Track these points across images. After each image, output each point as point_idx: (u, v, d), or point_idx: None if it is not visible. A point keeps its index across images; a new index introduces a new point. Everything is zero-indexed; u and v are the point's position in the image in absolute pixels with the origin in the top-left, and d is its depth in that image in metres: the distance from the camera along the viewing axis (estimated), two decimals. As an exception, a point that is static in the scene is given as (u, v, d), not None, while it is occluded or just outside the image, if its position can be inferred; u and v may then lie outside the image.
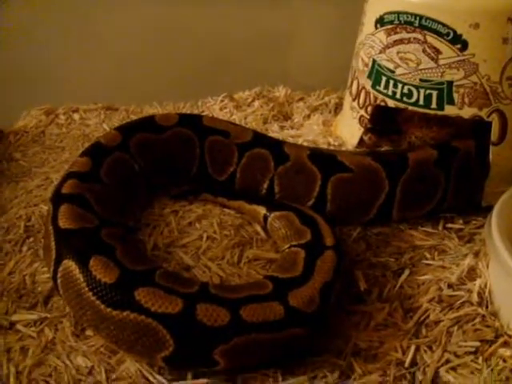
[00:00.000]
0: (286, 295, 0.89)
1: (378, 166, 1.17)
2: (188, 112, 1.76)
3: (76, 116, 1.76)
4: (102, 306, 0.86)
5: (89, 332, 0.96)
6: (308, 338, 0.90)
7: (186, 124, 1.29)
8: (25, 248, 1.15)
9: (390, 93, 1.26)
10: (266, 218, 1.17)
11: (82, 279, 0.89)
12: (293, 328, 0.87)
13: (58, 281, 0.94)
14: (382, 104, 1.29)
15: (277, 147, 1.24)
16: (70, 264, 0.92)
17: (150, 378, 0.88)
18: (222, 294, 0.89)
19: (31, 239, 1.18)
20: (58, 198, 1.06)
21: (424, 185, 1.19)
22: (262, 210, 1.18)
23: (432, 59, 1.17)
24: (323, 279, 0.93)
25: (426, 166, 1.18)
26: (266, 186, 1.23)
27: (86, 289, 0.88)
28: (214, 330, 0.83)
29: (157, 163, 1.27)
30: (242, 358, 0.86)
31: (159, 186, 1.30)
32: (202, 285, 0.92)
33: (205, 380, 0.87)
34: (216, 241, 1.16)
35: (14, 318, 0.99)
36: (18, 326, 0.98)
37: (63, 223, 0.99)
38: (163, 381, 0.87)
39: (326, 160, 1.20)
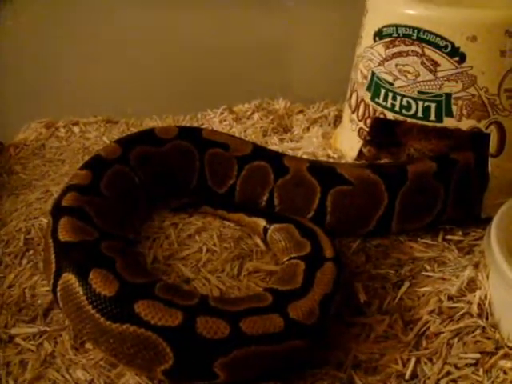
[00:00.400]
0: (286, 307, 0.89)
1: (377, 179, 1.17)
2: (188, 125, 1.76)
3: (76, 129, 1.77)
4: (102, 319, 0.86)
5: (88, 345, 0.96)
6: (308, 350, 0.90)
7: (186, 137, 1.30)
8: (24, 261, 1.15)
9: (388, 105, 1.27)
10: (265, 230, 1.17)
11: (81, 292, 0.89)
12: (293, 340, 0.87)
13: (58, 294, 0.94)
14: (381, 116, 1.30)
15: (276, 160, 1.24)
16: (69, 277, 0.92)
17: (150, 392, 0.88)
18: (221, 306, 0.89)
19: (31, 252, 1.18)
20: (57, 211, 1.07)
21: (423, 197, 1.19)
22: (262, 223, 1.18)
23: (430, 72, 1.17)
24: (323, 291, 0.93)
25: (425, 179, 1.18)
26: (265, 198, 1.23)
27: (86, 302, 0.88)
28: (213, 343, 0.83)
29: (157, 176, 1.27)
30: (242, 370, 0.86)
31: (159, 198, 1.30)
32: (201, 297, 0.92)
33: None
34: (216, 253, 1.16)
35: (14, 331, 0.99)
36: (18, 340, 0.98)
37: (63, 236, 0.99)
38: (163, 394, 0.87)
39: (325, 172, 1.21)
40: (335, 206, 1.18)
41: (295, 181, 1.21)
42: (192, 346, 0.83)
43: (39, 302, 1.05)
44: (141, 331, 0.83)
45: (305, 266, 1.01)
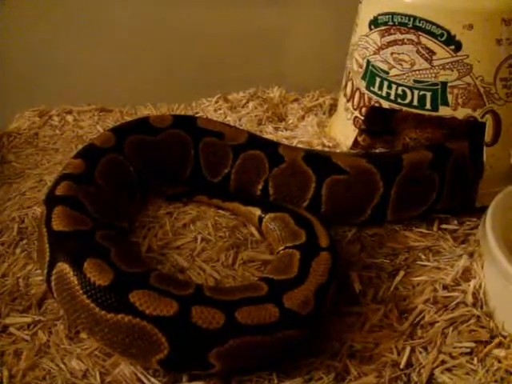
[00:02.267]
0: (281, 297, 0.89)
1: (372, 168, 1.17)
2: (182, 113, 1.75)
3: (69, 118, 1.75)
4: (97, 309, 0.85)
5: (83, 335, 0.95)
6: (303, 340, 0.90)
7: (181, 125, 1.29)
8: (18, 250, 1.15)
9: (384, 94, 1.26)
10: (260, 219, 1.17)
11: (76, 282, 0.88)
12: (288, 330, 0.87)
13: (52, 283, 0.94)
14: (377, 105, 1.29)
15: (272, 149, 1.24)
16: (64, 267, 0.91)
17: (145, 381, 0.87)
18: (216, 296, 0.89)
19: (24, 241, 1.17)
20: (51, 200, 1.06)
21: (418, 186, 1.19)
22: (257, 212, 1.18)
23: (426, 60, 1.17)
24: (318, 281, 0.93)
25: (420, 168, 1.18)
26: (260, 187, 1.23)
27: (81, 291, 0.87)
28: (209, 333, 0.82)
29: (151, 165, 1.27)
30: (238, 360, 0.86)
31: (154, 187, 1.29)
32: (196, 287, 0.91)
33: (200, 383, 0.87)
34: (211, 242, 1.15)
35: (8, 321, 0.99)
36: (12, 329, 0.97)
37: (57, 225, 0.98)
38: (158, 384, 0.87)
39: (320, 162, 1.20)
40: (330, 195, 1.18)
41: (290, 170, 1.20)
42: (187, 336, 0.83)
43: (33, 291, 1.04)
44: (136, 321, 0.83)
45: (300, 255, 1.01)
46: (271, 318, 0.85)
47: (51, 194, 1.07)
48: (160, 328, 0.83)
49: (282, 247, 1.09)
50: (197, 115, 1.69)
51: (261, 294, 0.91)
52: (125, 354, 0.88)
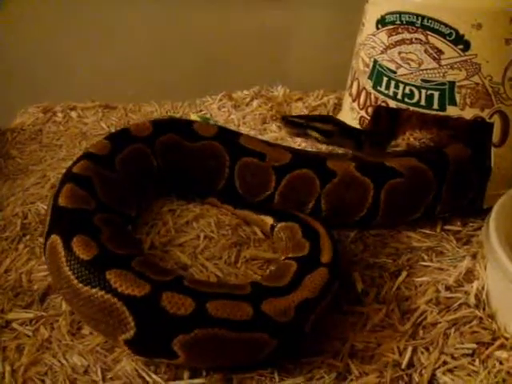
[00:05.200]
0: (261, 301, 0.87)
1: (425, 167, 1.16)
2: (186, 110, 1.75)
3: (73, 114, 1.76)
4: (75, 281, 0.89)
5: (85, 331, 0.96)
6: (277, 349, 0.87)
7: (223, 139, 1.24)
8: (21, 246, 1.15)
9: (391, 93, 1.25)
10: (272, 228, 1.15)
11: (62, 253, 0.92)
12: (259, 333, 0.85)
13: (46, 253, 0.98)
14: (383, 105, 1.29)
15: (319, 165, 1.18)
16: (55, 238, 0.95)
17: (146, 378, 0.87)
18: (193, 286, 0.89)
19: (27, 237, 1.17)
20: (66, 176, 1.11)
21: (463, 182, 1.19)
22: (269, 221, 1.16)
23: (434, 59, 1.16)
24: (305, 295, 0.90)
25: (463, 163, 1.19)
26: (311, 205, 1.18)
27: (65, 263, 0.91)
28: (175, 318, 0.82)
29: (177, 168, 1.24)
30: (203, 354, 0.85)
31: (173, 188, 1.28)
32: (177, 276, 0.92)
33: (201, 380, 0.87)
34: (213, 240, 1.15)
35: (10, 316, 0.99)
36: (14, 325, 0.97)
37: (62, 201, 1.03)
38: (159, 380, 0.87)
39: (375, 169, 1.18)
40: (388, 200, 1.16)
41: (345, 183, 1.16)
42: (153, 318, 0.83)
43: (36, 287, 1.05)
44: (107, 297, 0.85)
45: (297, 267, 0.98)
46: (242, 316, 0.84)
47: (69, 170, 1.12)
48: (128, 307, 0.84)
49: (284, 257, 1.06)
50: (201, 113, 1.69)
51: (240, 293, 0.90)
52: (96, 328, 0.92)
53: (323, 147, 1.48)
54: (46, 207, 1.21)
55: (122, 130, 1.25)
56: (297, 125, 1.43)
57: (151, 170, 1.23)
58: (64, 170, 1.16)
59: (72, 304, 0.93)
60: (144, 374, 0.88)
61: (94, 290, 0.86)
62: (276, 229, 1.14)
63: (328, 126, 1.41)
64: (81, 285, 0.88)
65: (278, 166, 1.18)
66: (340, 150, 1.46)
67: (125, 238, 1.04)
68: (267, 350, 0.86)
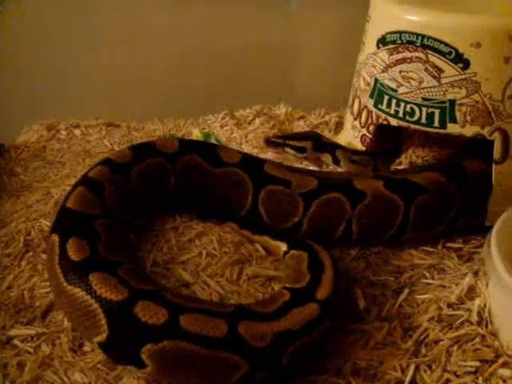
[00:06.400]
0: (239, 321, 0.86)
1: (447, 181, 1.17)
2: (188, 129, 1.76)
3: (77, 132, 1.77)
4: (62, 280, 0.93)
5: (86, 348, 0.96)
6: (247, 375, 0.85)
7: (246, 167, 1.22)
8: (24, 262, 1.15)
9: (392, 112, 1.26)
10: (285, 255, 1.14)
11: (57, 252, 0.97)
12: (231, 353, 0.83)
13: (46, 250, 1.04)
14: (385, 123, 1.30)
15: (348, 187, 1.17)
16: (55, 237, 1.00)
17: (148, 395, 0.87)
18: (173, 298, 0.89)
19: (30, 253, 1.17)
20: (82, 180, 1.15)
21: (482, 195, 1.19)
22: (283, 247, 1.14)
23: (434, 78, 1.17)
24: (287, 326, 0.87)
25: (480, 177, 1.19)
26: (342, 228, 1.17)
27: (57, 261, 0.95)
28: (145, 327, 0.83)
29: (197, 190, 1.24)
30: (172, 367, 0.85)
31: (186, 207, 1.28)
32: (160, 288, 0.94)
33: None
34: (215, 258, 1.15)
35: (12, 332, 0.99)
36: (15, 341, 0.97)
37: (69, 202, 1.07)
38: (160, 398, 0.87)
39: (403, 186, 1.17)
40: (417, 216, 1.16)
41: (375, 202, 1.15)
42: (124, 324, 0.85)
43: (37, 303, 1.05)
44: (87, 298, 0.88)
45: (289, 298, 0.95)
46: (215, 333, 0.83)
47: (85, 175, 1.16)
48: (103, 310, 0.86)
49: (283, 286, 1.03)
50: (203, 131, 1.70)
51: (220, 311, 0.89)
52: (76, 328, 0.96)
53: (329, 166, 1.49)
54: (49, 224, 1.21)
55: (147, 142, 1.27)
56: (276, 144, 1.44)
57: (168, 186, 1.23)
58: (68, 188, 1.17)
59: (59, 302, 0.98)
60: (145, 392, 0.88)
61: (76, 290, 0.90)
62: (287, 256, 1.13)
63: (302, 142, 1.42)
64: (66, 283, 0.92)
65: (305, 192, 1.17)
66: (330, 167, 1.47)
67: (120, 246, 1.06)
68: (238, 374, 0.84)
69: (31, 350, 0.96)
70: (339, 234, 1.18)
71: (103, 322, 0.86)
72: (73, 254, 0.94)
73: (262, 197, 1.19)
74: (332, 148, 1.43)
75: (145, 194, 1.20)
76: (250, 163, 1.24)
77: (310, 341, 0.89)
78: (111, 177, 1.15)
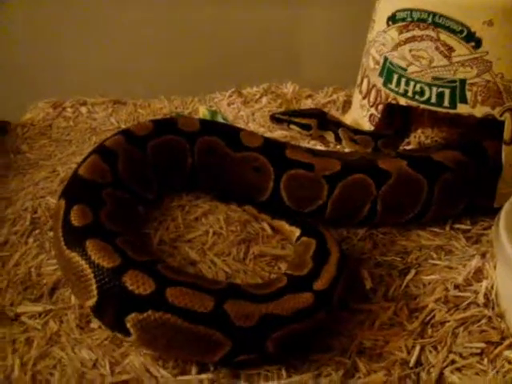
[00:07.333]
0: (226, 299, 0.85)
1: (470, 160, 1.17)
2: (195, 106, 1.75)
3: (83, 109, 1.76)
4: (62, 243, 0.96)
5: (93, 325, 0.96)
6: (230, 353, 0.85)
7: (268, 151, 1.20)
8: (31, 240, 1.16)
9: (401, 91, 1.25)
10: (297, 240, 1.13)
11: (61, 217, 0.99)
12: (214, 330, 0.83)
13: (54, 215, 1.07)
14: (394, 102, 1.28)
15: (372, 167, 1.16)
16: (62, 202, 1.03)
17: (154, 372, 0.88)
18: (164, 271, 0.90)
19: (37, 231, 1.18)
20: (98, 147, 1.17)
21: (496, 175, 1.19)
22: (297, 233, 1.14)
23: (445, 57, 1.16)
24: (275, 311, 0.86)
25: (499, 155, 1.18)
26: (367, 208, 1.17)
27: (60, 225, 0.98)
28: (131, 295, 0.84)
29: (215, 172, 1.23)
30: (155, 338, 0.85)
31: (203, 187, 1.28)
32: (155, 259, 0.95)
33: (209, 375, 0.87)
34: (222, 236, 1.15)
35: (19, 309, 1.00)
36: (23, 318, 0.98)
37: (81, 170, 1.10)
38: (167, 375, 0.87)
39: (426, 165, 1.16)
40: (440, 195, 1.16)
41: (400, 182, 1.15)
42: (112, 291, 0.87)
43: (45, 280, 1.05)
44: (81, 263, 0.90)
45: (286, 284, 0.94)
46: (200, 308, 0.83)
47: (102, 143, 1.18)
48: (94, 275, 0.88)
49: (284, 271, 1.04)
50: (211, 108, 1.69)
51: (210, 287, 0.89)
52: (72, 291, 0.99)
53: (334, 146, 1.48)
54: (55, 201, 1.21)
55: (169, 118, 1.28)
56: (281, 121, 1.44)
57: (185, 165, 1.23)
58: (74, 165, 1.17)
59: (59, 263, 1.02)
60: (152, 369, 0.88)
61: (72, 254, 0.92)
62: (299, 241, 1.12)
63: (307, 119, 1.42)
64: (65, 247, 0.94)
65: (329, 174, 1.16)
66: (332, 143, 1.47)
67: (125, 217, 1.08)
68: (221, 352, 0.85)
69: (39, 327, 0.96)
70: (365, 214, 1.17)
71: (94, 286, 0.88)
72: (75, 220, 0.97)
73: (284, 181, 1.18)
74: (335, 126, 1.42)
75: (159, 170, 1.21)
76: (271, 148, 1.22)
77: (299, 330, 0.88)
78: (126, 147, 1.16)
